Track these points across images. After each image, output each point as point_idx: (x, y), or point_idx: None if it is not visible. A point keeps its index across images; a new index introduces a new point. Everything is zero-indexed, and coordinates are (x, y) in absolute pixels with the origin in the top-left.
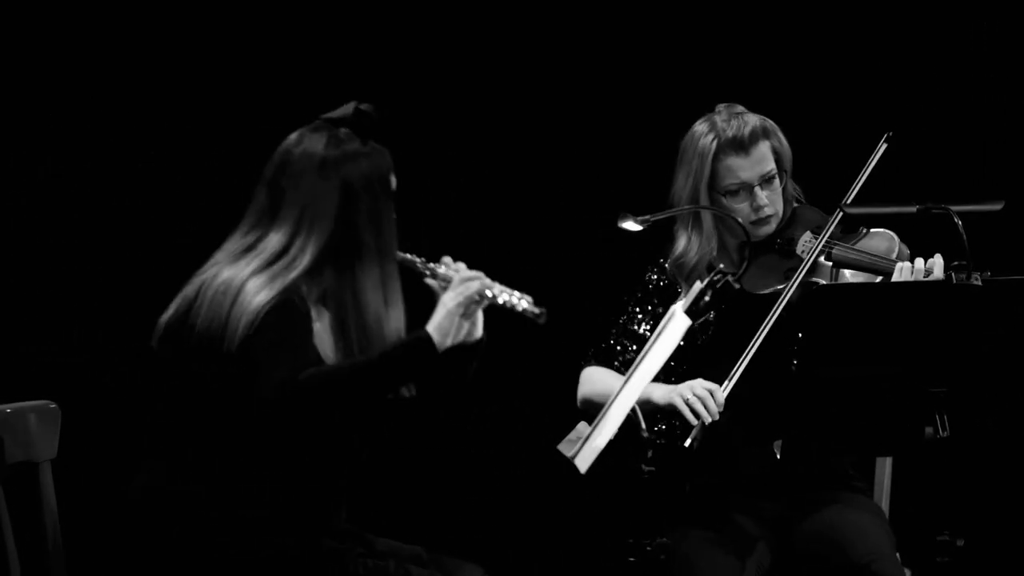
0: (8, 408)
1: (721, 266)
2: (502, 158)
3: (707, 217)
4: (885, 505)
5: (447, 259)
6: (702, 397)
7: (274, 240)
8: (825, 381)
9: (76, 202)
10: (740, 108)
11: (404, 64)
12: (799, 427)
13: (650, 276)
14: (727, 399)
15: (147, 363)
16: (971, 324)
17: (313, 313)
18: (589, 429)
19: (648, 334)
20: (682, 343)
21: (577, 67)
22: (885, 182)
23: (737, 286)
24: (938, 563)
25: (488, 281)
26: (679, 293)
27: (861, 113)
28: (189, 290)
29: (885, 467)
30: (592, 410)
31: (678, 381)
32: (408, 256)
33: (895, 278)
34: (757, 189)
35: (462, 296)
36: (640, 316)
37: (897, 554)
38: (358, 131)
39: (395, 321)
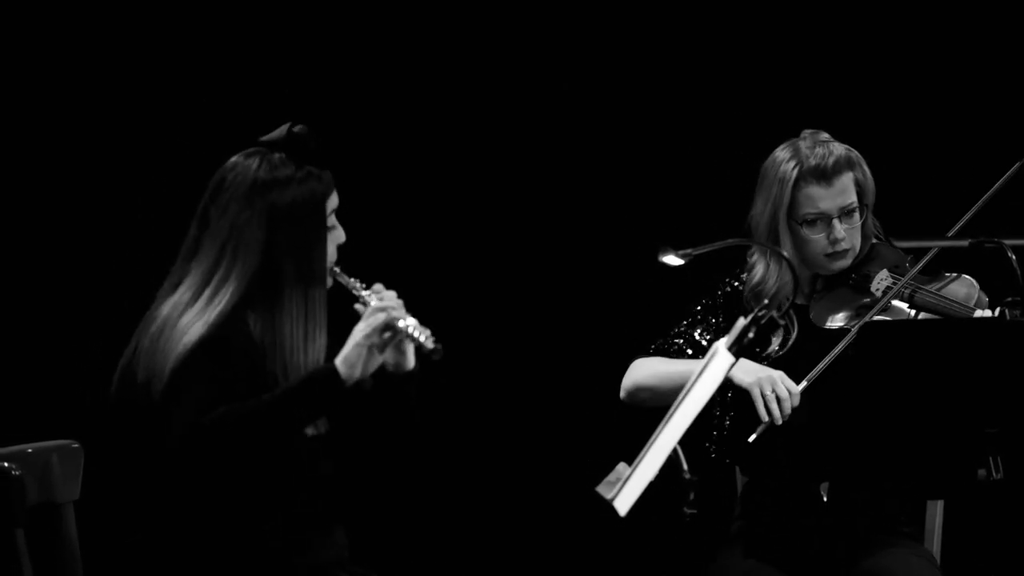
0: (29, 448)
1: (766, 301)
2: (543, 184)
3: (787, 244)
4: (936, 551)
5: (378, 286)
6: (781, 397)
7: (198, 270)
8: (874, 420)
9: (99, 241)
10: (825, 136)
11: (438, 85)
12: (846, 468)
13: (725, 287)
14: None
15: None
16: None
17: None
18: (629, 470)
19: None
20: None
21: (620, 99)
22: (936, 215)
23: (782, 322)
24: None
25: (398, 313)
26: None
27: (945, 148)
28: (133, 339)
29: (936, 511)
30: (642, 395)
31: (736, 405)
32: (352, 280)
33: None
34: (835, 221)
35: (369, 328)
36: (704, 326)
37: None
38: (292, 155)
39: (314, 352)
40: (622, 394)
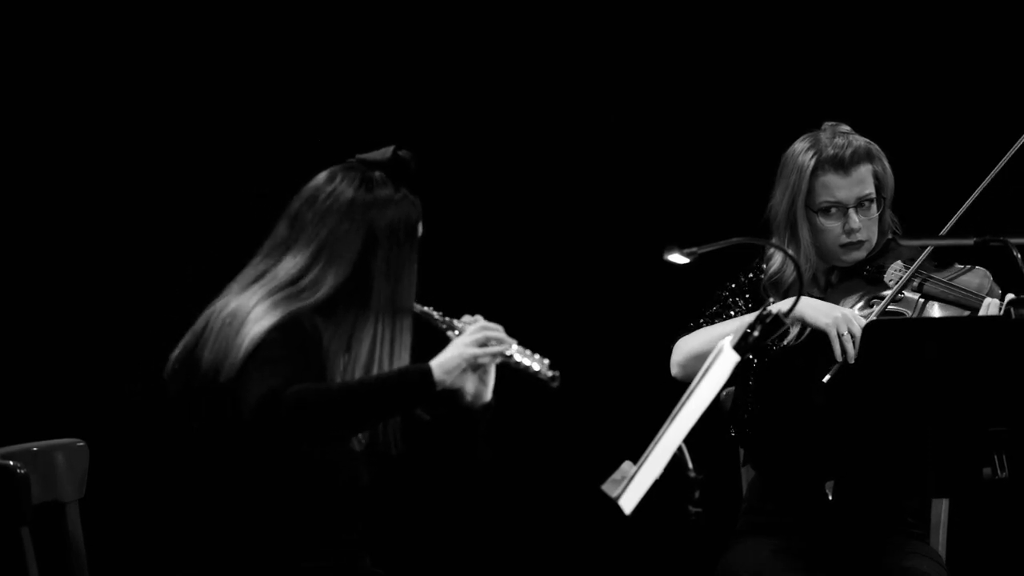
0: (35, 446)
1: (770, 300)
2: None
3: (805, 234)
4: (942, 550)
5: (467, 317)
6: (856, 337)
7: (286, 267)
8: (880, 419)
9: (107, 237)
10: (846, 128)
11: (450, 101)
12: (852, 466)
13: (748, 274)
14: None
15: (161, 401)
16: None
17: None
18: (634, 469)
19: None
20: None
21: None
22: (941, 214)
23: (788, 321)
24: None
25: (505, 336)
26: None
27: (969, 146)
28: (198, 323)
29: (942, 510)
30: (700, 365)
31: (755, 390)
32: (426, 309)
33: (982, 314)
34: (851, 211)
35: (474, 342)
36: (736, 309)
37: None
38: (393, 176)
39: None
40: (675, 370)
